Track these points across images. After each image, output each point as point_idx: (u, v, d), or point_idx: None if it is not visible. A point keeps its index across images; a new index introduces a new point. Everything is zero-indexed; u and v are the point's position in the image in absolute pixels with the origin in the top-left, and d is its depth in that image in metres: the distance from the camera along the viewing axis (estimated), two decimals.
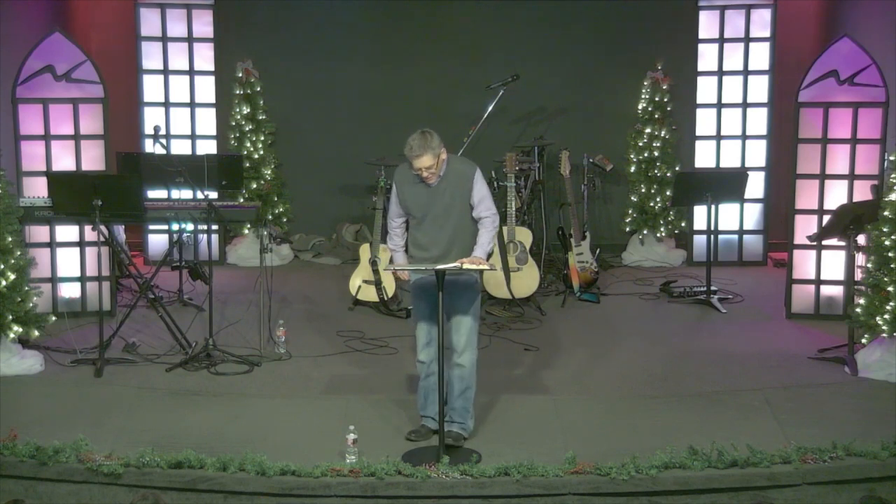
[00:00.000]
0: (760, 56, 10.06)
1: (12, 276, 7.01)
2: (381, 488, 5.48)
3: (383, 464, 5.55)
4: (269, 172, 10.45)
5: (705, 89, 10.18)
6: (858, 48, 8.20)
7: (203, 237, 9.54)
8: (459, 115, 9.94)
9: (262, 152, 10.40)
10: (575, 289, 9.08)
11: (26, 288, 7.17)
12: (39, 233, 8.19)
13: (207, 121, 10.29)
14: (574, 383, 7.10)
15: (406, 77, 10.71)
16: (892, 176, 7.03)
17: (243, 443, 5.88)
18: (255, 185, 10.33)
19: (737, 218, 10.20)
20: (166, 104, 10.17)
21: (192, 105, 10.24)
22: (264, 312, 7.67)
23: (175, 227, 8.67)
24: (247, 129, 10.38)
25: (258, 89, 10.43)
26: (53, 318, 7.47)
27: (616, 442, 6.00)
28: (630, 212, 10.50)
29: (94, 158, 8.30)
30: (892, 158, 7.44)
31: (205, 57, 10.21)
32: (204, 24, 10.18)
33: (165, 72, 10.15)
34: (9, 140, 8.11)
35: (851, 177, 8.29)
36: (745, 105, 10.15)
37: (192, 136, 10.26)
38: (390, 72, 10.72)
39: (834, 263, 8.32)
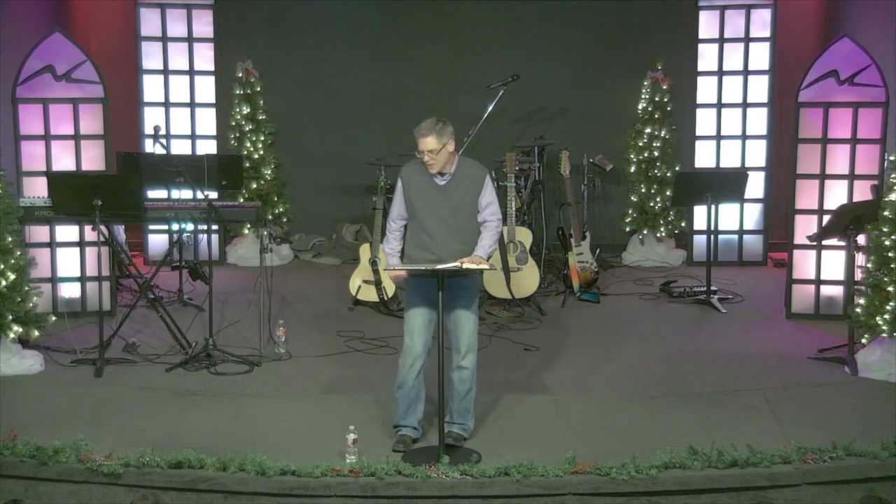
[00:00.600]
0: (760, 56, 10.07)
1: (12, 276, 7.01)
2: (381, 488, 5.47)
3: (383, 464, 5.55)
4: (269, 172, 10.45)
5: (705, 89, 10.18)
6: (858, 48, 8.20)
7: (203, 237, 9.54)
8: (459, 115, 9.86)
9: (262, 152, 10.40)
10: (575, 289, 9.08)
11: (26, 288, 7.16)
12: (39, 233, 8.19)
13: (207, 121, 10.29)
14: (574, 383, 7.10)
15: (406, 77, 10.71)
16: (892, 176, 7.03)
17: (243, 443, 5.87)
18: (255, 185, 10.33)
19: (737, 218, 10.20)
20: (166, 104, 10.18)
21: (192, 105, 10.24)
22: (264, 312, 7.67)
23: (175, 227, 8.67)
24: (247, 129, 10.38)
25: (258, 89, 10.44)
26: (53, 318, 7.46)
27: (616, 442, 6.00)
28: (630, 212, 10.50)
29: (94, 158, 8.29)
30: (892, 158, 7.45)
31: (205, 57, 10.21)
32: (204, 24, 10.18)
33: (165, 72, 10.15)
34: (9, 140, 8.10)
35: (851, 177, 8.29)
36: (745, 105, 10.16)
37: (192, 136, 10.26)
38: (390, 72, 10.72)
39: (834, 263, 8.32)
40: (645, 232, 10.44)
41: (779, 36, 10.04)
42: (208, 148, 10.18)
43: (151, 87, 10.14)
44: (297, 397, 6.84)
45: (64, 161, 8.25)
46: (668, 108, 10.37)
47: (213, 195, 8.49)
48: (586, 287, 9.10)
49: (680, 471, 5.58)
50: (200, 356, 7.35)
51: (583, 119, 10.66)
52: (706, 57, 10.16)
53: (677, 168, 10.26)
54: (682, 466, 5.59)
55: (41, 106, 8.19)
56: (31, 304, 7.18)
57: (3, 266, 6.97)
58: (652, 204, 10.37)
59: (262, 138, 10.43)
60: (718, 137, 10.20)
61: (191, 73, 10.19)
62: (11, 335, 7.04)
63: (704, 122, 10.20)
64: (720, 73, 10.15)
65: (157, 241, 10.14)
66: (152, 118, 9.83)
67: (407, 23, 10.74)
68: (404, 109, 10.31)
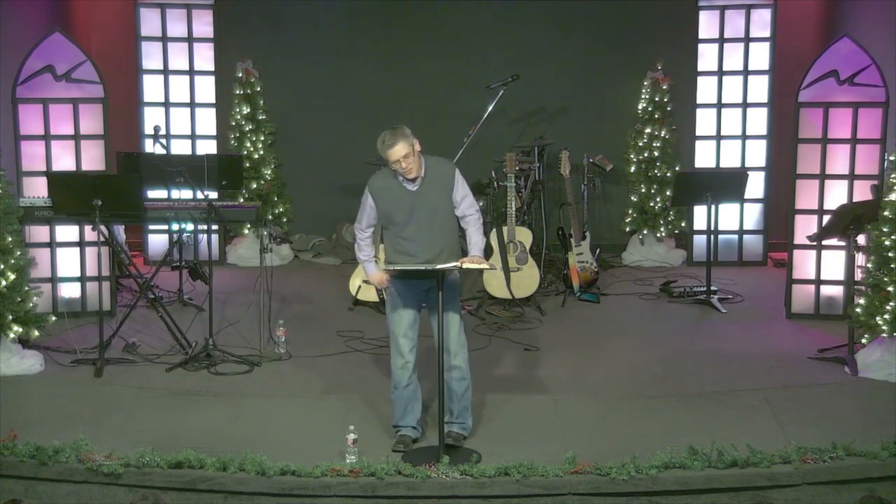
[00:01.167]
0: (760, 56, 10.06)
1: (12, 276, 7.01)
2: (381, 488, 5.48)
3: (383, 464, 5.55)
4: (269, 172, 10.45)
5: (705, 89, 10.18)
6: (858, 48, 8.20)
7: (203, 237, 9.54)
8: (459, 115, 9.95)
9: (262, 152, 10.40)
10: (575, 289, 9.08)
11: (26, 288, 7.17)
12: (39, 233, 8.19)
13: (207, 121, 10.29)
14: (574, 383, 7.11)
15: (406, 77, 10.71)
16: (892, 176, 7.03)
17: (243, 443, 5.88)
18: (255, 185, 10.33)
19: (737, 218, 10.20)
20: (166, 104, 10.17)
21: (192, 105, 10.23)
22: (264, 312, 7.67)
23: (175, 227, 8.67)
24: (247, 129, 10.38)
25: (258, 89, 10.43)
26: (53, 318, 7.47)
27: (616, 442, 6.01)
28: (630, 212, 10.50)
29: (94, 158, 8.30)
30: (892, 158, 7.45)
31: (205, 57, 10.21)
32: (204, 24, 10.18)
33: (165, 72, 10.15)
34: (9, 140, 8.11)
35: (851, 177, 8.29)
36: (745, 105, 10.15)
37: (192, 136, 10.26)
38: (390, 71, 10.72)
39: (834, 263, 8.32)
40: (645, 232, 10.44)
41: (779, 36, 10.03)
42: (208, 148, 10.18)
43: (151, 87, 10.14)
44: (297, 397, 6.84)
45: (64, 161, 8.25)
46: (668, 108, 10.36)
47: (213, 195, 8.49)
48: (586, 287, 9.10)
49: (680, 471, 5.58)
50: (200, 356, 7.35)
51: (583, 119, 10.65)
52: (706, 57, 10.16)
53: (677, 168, 10.25)
54: (682, 466, 5.59)
55: (41, 106, 8.19)
56: (31, 304, 7.18)
57: (3, 266, 6.97)
58: (652, 204, 10.36)
59: (262, 138, 10.42)
60: (718, 137, 10.19)
61: (191, 73, 10.19)
62: (11, 335, 7.04)
63: (704, 122, 10.20)
64: (720, 73, 10.15)
65: (157, 241, 10.14)
66: (152, 118, 9.83)
67: (407, 23, 10.74)
68: (404, 109, 10.30)
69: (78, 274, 8.33)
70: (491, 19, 10.71)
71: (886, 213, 6.97)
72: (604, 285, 9.39)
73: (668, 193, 10.21)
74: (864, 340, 7.14)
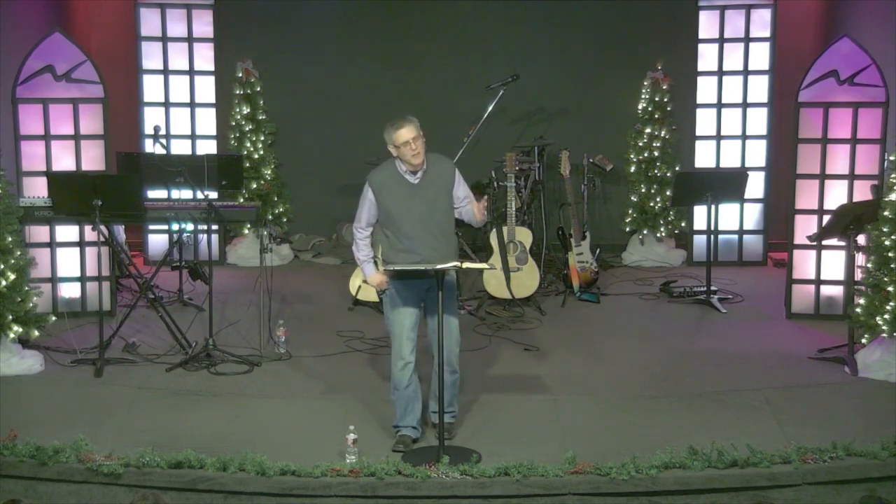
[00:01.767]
0: (760, 56, 10.06)
1: (12, 276, 7.01)
2: (381, 488, 5.48)
3: (383, 464, 5.56)
4: (269, 172, 10.45)
5: (705, 89, 10.18)
6: (858, 48, 8.20)
7: (203, 237, 9.54)
8: (459, 115, 9.94)
9: (262, 152, 10.40)
10: (575, 289, 9.08)
11: (26, 288, 7.17)
12: (39, 233, 8.19)
13: (207, 121, 10.29)
14: (574, 383, 7.10)
15: (406, 77, 10.71)
16: (892, 176, 7.03)
17: (243, 443, 5.87)
18: (255, 185, 10.33)
19: (737, 218, 10.20)
20: (166, 104, 10.17)
21: (192, 105, 10.23)
22: (264, 312, 7.67)
23: (175, 227, 8.67)
24: (247, 129, 10.38)
25: (258, 89, 10.43)
26: (53, 318, 7.46)
27: (616, 442, 6.01)
28: (630, 212, 10.50)
29: (94, 158, 8.30)
30: (892, 158, 7.45)
31: (205, 57, 10.21)
32: (204, 24, 10.18)
33: (165, 72, 10.15)
34: (9, 140, 8.10)
35: (851, 177, 8.29)
36: (745, 105, 10.15)
37: (192, 136, 10.25)
38: (390, 71, 10.72)
39: (834, 263, 8.32)
40: (645, 232, 10.43)
41: (779, 36, 10.03)
42: (208, 148, 10.18)
43: (151, 87, 10.14)
44: (296, 397, 6.84)
45: (64, 161, 8.25)
46: (668, 108, 10.36)
47: (213, 195, 8.48)
48: (586, 287, 9.10)
49: (680, 471, 5.58)
50: (200, 356, 7.35)
51: (583, 119, 10.65)
52: (706, 57, 10.15)
53: (677, 168, 10.25)
54: (682, 466, 5.59)
55: (41, 106, 8.19)
56: (31, 304, 7.18)
57: (3, 266, 6.97)
58: (652, 204, 10.36)
59: (262, 138, 10.43)
60: (718, 137, 10.19)
61: (191, 73, 10.19)
62: (11, 335, 7.04)
63: (704, 122, 10.20)
64: (720, 73, 10.15)
65: (157, 241, 10.14)
66: (152, 118, 9.83)
67: (407, 23, 10.73)
68: (404, 109, 10.12)
69: (78, 274, 8.33)
70: (491, 19, 10.71)
71: (886, 213, 6.97)
72: (604, 285, 9.39)
73: (668, 193, 10.20)
74: (864, 340, 7.14)
